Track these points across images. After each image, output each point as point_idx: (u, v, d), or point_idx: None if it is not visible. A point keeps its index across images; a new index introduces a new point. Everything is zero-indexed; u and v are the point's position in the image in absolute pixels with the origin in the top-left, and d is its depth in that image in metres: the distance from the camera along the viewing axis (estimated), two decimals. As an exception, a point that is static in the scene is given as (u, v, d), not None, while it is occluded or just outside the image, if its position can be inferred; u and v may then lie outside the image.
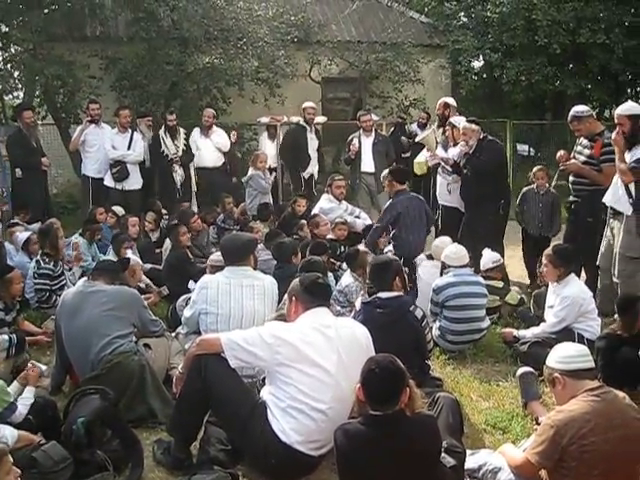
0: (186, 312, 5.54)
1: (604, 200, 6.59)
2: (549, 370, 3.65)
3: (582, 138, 7.35)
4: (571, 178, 7.44)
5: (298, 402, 3.87)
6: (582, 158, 7.25)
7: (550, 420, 3.47)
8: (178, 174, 10.77)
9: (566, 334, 5.69)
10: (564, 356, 3.62)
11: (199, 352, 4.10)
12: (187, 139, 11.02)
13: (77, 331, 4.99)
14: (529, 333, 6.09)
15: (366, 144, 10.37)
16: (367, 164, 10.35)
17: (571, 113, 7.31)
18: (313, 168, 11.34)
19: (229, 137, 11.57)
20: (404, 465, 3.30)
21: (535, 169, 8.69)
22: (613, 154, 6.75)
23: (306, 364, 3.90)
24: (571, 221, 7.57)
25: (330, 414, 3.88)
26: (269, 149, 12.55)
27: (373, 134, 10.50)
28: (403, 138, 13.31)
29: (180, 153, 10.78)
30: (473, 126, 8.03)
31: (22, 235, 8.00)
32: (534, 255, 7.79)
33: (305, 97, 15.07)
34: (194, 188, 11.26)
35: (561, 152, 7.47)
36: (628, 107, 6.52)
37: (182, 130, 11.05)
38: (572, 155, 7.43)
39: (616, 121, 6.48)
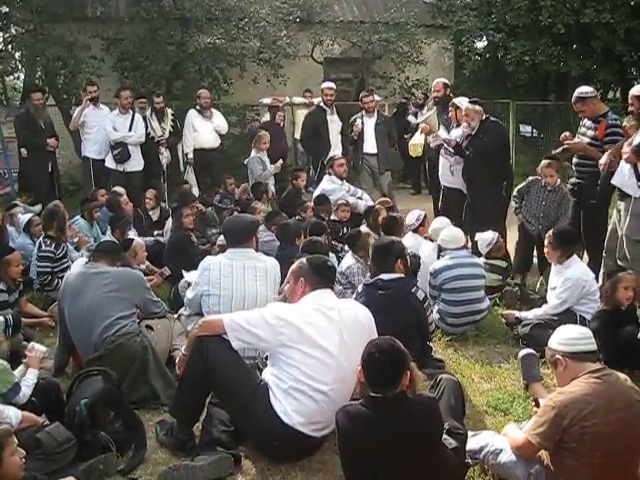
0: (188, 293, 5.55)
1: (612, 181, 6.56)
2: (551, 352, 3.65)
3: (586, 119, 7.29)
4: (575, 160, 7.39)
5: (300, 383, 3.89)
6: (586, 139, 7.17)
7: (551, 401, 3.47)
8: (164, 156, 10.77)
9: (568, 316, 5.69)
10: (567, 338, 3.61)
11: (201, 333, 4.11)
12: (174, 121, 10.99)
13: (80, 312, 5.00)
14: (531, 314, 6.09)
15: (369, 125, 10.31)
16: (370, 145, 10.29)
17: (575, 94, 7.24)
18: (335, 152, 10.58)
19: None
20: (406, 447, 3.30)
21: (542, 164, 7.68)
22: (617, 135, 6.79)
23: (308, 345, 3.91)
24: (574, 203, 7.54)
25: (332, 395, 3.90)
26: (271, 130, 12.49)
27: (376, 115, 10.43)
28: (411, 117, 13.24)
29: (167, 135, 10.77)
30: (476, 107, 7.99)
31: (24, 217, 8.00)
32: (526, 254, 7.76)
33: (307, 78, 15.06)
34: (182, 169, 11.25)
35: (566, 133, 7.40)
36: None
37: (170, 111, 11.05)
38: (576, 136, 7.39)
39: (629, 101, 6.52)
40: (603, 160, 6.58)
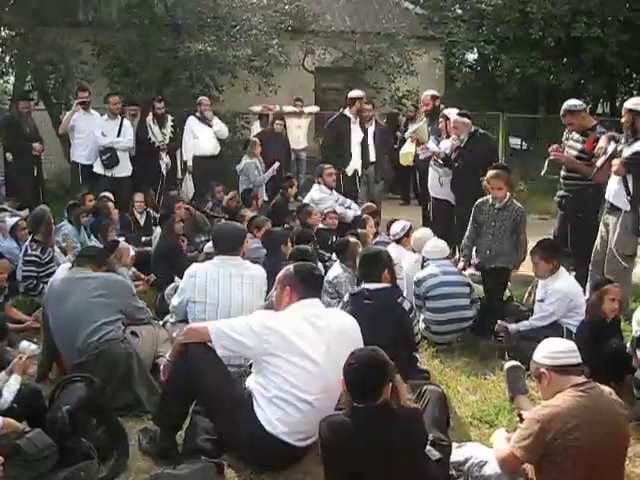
0: (174, 300, 5.51)
1: (605, 196, 6.60)
2: (535, 365, 3.65)
3: (573, 132, 7.30)
4: (562, 173, 7.40)
5: (285, 392, 3.88)
6: (574, 153, 7.20)
7: (536, 415, 3.46)
8: (164, 162, 10.76)
9: (554, 329, 5.70)
10: (551, 351, 3.60)
11: (187, 340, 4.10)
12: (174, 127, 10.98)
13: (65, 317, 4.96)
14: (520, 326, 6.09)
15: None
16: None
17: (564, 107, 7.26)
18: (356, 163, 10.21)
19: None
20: (389, 457, 3.29)
21: (489, 175, 6.67)
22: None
23: (294, 354, 3.90)
24: (561, 217, 7.55)
25: (316, 405, 3.89)
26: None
27: (374, 124, 10.58)
28: (398, 133, 13.34)
29: (167, 141, 10.76)
30: (464, 119, 8.02)
31: (10, 220, 7.96)
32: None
33: (298, 86, 15.07)
34: (179, 175, 11.23)
35: (554, 146, 7.44)
36: (633, 101, 6.57)
37: (170, 117, 11.03)
38: (563, 149, 7.42)
39: (622, 112, 6.55)
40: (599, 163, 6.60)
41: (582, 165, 7.06)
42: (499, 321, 6.29)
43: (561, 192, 7.47)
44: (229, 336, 3.97)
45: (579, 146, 7.16)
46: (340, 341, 4.01)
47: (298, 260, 5.07)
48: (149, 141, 10.60)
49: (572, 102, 7.30)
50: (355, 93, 10.39)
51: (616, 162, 6.31)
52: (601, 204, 6.93)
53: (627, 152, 6.29)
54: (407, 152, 9.37)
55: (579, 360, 3.59)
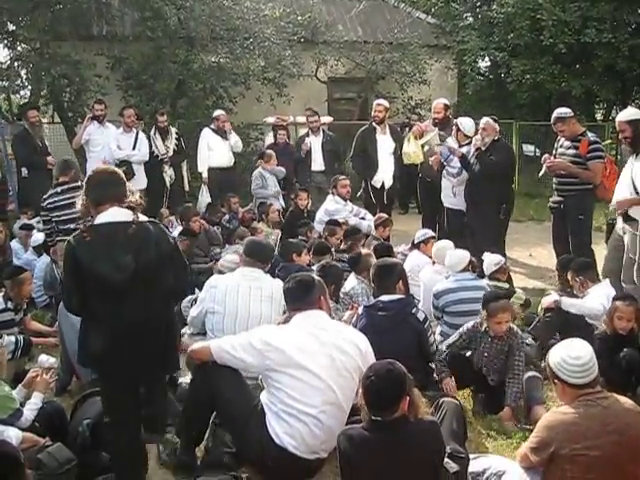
0: (192, 311, 5.56)
1: (611, 204, 6.62)
2: (550, 370, 3.63)
3: (562, 141, 7.53)
4: (556, 179, 7.52)
5: (289, 407, 3.92)
6: (568, 159, 7.39)
7: (545, 421, 3.53)
8: (167, 174, 10.80)
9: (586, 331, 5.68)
10: (565, 367, 3.51)
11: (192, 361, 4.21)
12: (179, 139, 11.03)
13: (75, 331, 4.97)
14: (575, 302, 5.98)
15: (315, 144, 10.83)
16: (317, 163, 10.86)
17: (554, 115, 7.52)
18: (383, 175, 9.95)
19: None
20: (407, 470, 3.31)
21: (494, 307, 5.12)
22: (599, 151, 7.19)
23: (296, 369, 3.93)
24: (557, 221, 7.62)
25: (323, 418, 3.91)
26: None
27: (321, 134, 10.96)
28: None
29: (170, 153, 10.80)
30: (495, 124, 8.07)
31: (38, 236, 8.01)
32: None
33: (311, 97, 15.11)
34: (186, 188, 11.27)
35: (546, 156, 7.65)
36: (628, 113, 6.53)
37: (174, 130, 11.08)
38: (555, 157, 7.55)
39: (618, 128, 6.48)
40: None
41: (579, 169, 7.25)
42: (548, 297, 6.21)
43: (556, 197, 7.58)
44: (230, 354, 4.02)
45: (572, 151, 7.36)
46: (346, 354, 4.02)
47: (325, 276, 5.22)
48: (152, 154, 10.65)
49: (562, 110, 7.53)
50: (376, 101, 10.52)
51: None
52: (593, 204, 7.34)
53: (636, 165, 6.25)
54: (408, 152, 9.29)
55: (592, 377, 3.51)
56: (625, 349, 5.24)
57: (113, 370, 3.77)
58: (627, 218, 6.44)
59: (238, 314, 5.22)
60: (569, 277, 6.27)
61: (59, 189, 6.96)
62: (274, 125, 12.73)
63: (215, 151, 11.05)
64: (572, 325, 5.77)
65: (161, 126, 10.81)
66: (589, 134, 7.43)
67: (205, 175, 11.11)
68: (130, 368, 3.76)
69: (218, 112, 11.49)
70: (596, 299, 5.90)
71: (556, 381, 3.59)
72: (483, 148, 8.04)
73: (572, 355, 3.55)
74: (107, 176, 3.92)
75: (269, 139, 12.89)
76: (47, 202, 6.92)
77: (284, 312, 5.38)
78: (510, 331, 5.18)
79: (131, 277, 3.66)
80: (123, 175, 4.01)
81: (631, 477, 3.44)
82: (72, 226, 6.08)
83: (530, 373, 5.08)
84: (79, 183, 6.56)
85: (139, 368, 3.80)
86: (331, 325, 4.25)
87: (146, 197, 10.29)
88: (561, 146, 7.55)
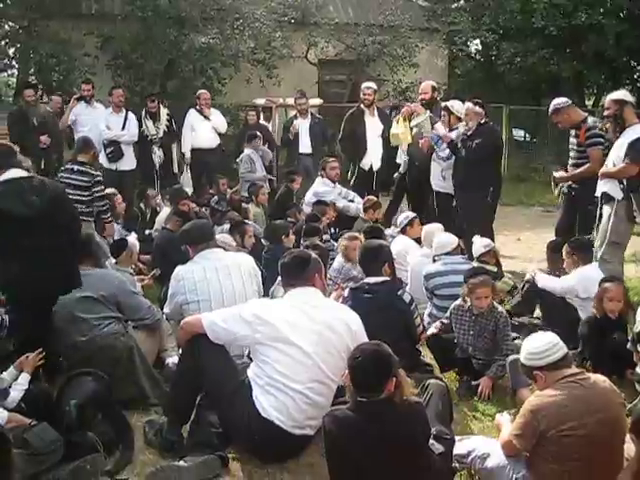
0: (166, 309, 5.41)
1: (599, 187, 6.63)
2: (526, 369, 3.69)
3: (571, 129, 7.40)
4: (570, 168, 7.45)
5: (275, 381, 3.95)
6: (574, 149, 7.31)
7: (529, 405, 3.53)
8: (157, 155, 10.74)
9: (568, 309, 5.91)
10: (536, 353, 3.61)
11: (185, 336, 4.23)
12: (170, 120, 10.97)
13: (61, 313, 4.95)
14: (549, 281, 6.15)
15: (303, 127, 10.88)
16: (305, 146, 10.88)
17: (551, 107, 7.40)
18: (371, 158, 9.91)
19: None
20: (392, 451, 3.32)
21: (473, 282, 5.16)
22: (597, 137, 6.97)
23: (284, 343, 3.96)
24: (567, 208, 7.57)
25: (310, 394, 3.94)
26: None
27: (309, 117, 10.99)
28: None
29: (160, 134, 10.75)
30: (476, 108, 8.00)
31: None
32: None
33: (301, 79, 15.04)
34: (175, 170, 11.24)
35: (554, 173, 7.58)
36: (617, 93, 6.63)
37: (165, 112, 10.99)
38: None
39: (605, 106, 6.61)
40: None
41: (581, 170, 7.15)
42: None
43: (569, 184, 7.49)
44: (221, 327, 4.06)
45: (575, 140, 7.28)
46: (336, 332, 4.04)
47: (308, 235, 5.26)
48: (142, 134, 10.60)
49: (557, 101, 7.40)
50: (364, 84, 10.51)
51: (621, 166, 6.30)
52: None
53: (623, 141, 6.28)
54: (395, 133, 9.23)
55: (565, 351, 3.62)
56: (614, 333, 5.27)
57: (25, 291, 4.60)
58: (607, 198, 6.49)
59: (212, 298, 5.02)
60: (564, 252, 6.19)
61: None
62: (263, 107, 12.71)
63: (198, 131, 11.00)
64: (549, 302, 6.02)
65: (151, 112, 10.75)
66: (589, 120, 7.23)
67: (188, 156, 11.06)
68: (39, 287, 4.65)
69: (200, 91, 11.45)
70: (570, 279, 5.99)
71: (535, 373, 3.62)
72: (469, 133, 8.01)
73: (534, 343, 3.69)
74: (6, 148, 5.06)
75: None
76: None
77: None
78: (493, 309, 5.16)
79: (37, 213, 4.65)
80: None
81: (614, 453, 3.49)
82: None
83: (514, 356, 5.09)
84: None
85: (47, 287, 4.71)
86: (324, 303, 4.27)
87: (135, 178, 10.33)
88: (571, 135, 7.42)
